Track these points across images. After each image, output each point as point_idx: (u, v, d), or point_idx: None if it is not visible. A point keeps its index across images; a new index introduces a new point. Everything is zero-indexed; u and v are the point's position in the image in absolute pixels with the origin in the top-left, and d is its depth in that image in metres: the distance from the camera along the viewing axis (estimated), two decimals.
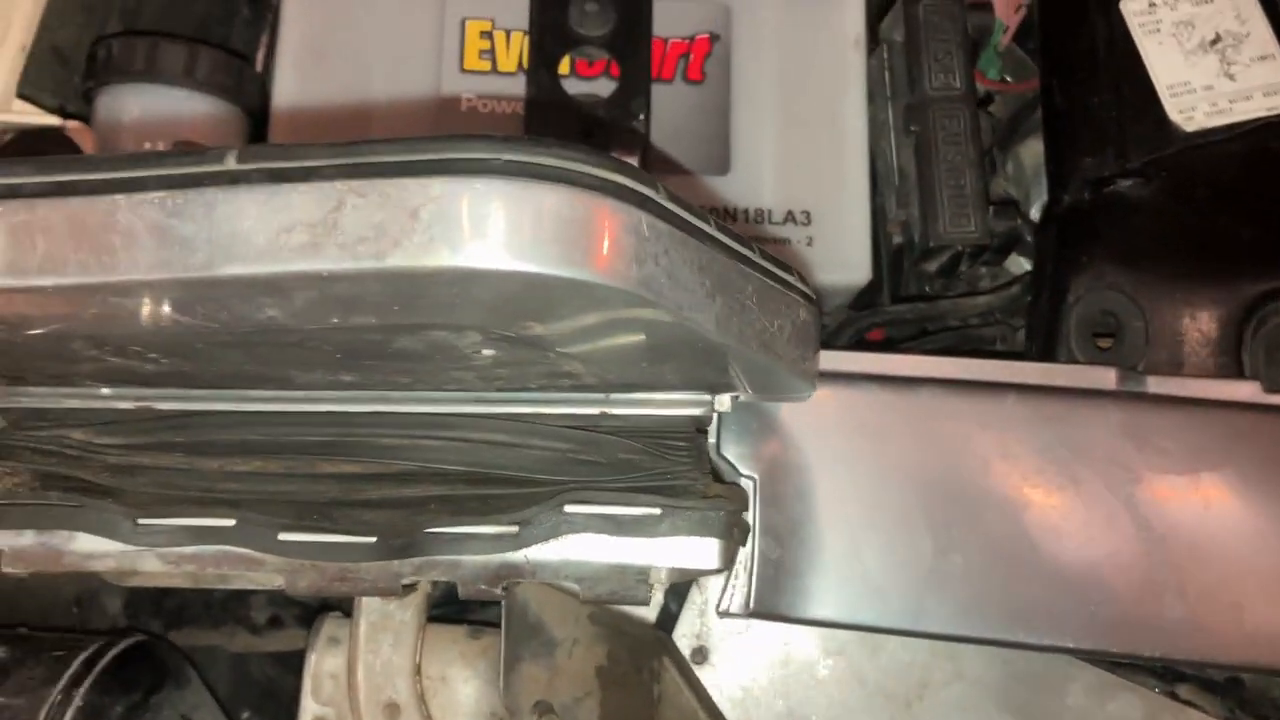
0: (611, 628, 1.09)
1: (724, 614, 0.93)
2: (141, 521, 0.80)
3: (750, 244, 0.71)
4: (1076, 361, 1.03)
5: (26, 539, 0.82)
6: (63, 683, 0.93)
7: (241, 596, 1.22)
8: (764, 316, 0.70)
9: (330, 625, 1.02)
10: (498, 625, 1.04)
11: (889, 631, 0.93)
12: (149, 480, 0.80)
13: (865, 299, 1.21)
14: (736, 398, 0.86)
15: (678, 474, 0.81)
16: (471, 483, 0.81)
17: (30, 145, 1.16)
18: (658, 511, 0.80)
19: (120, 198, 0.58)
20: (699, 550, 0.81)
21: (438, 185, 0.55)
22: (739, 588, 0.92)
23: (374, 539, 0.80)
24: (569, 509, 0.80)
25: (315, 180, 0.57)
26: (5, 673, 0.95)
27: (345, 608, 1.07)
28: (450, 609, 1.18)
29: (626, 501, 0.80)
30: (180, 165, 0.58)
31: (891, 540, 0.91)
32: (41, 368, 0.77)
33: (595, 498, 0.80)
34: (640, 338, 0.66)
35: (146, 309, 0.60)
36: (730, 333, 0.67)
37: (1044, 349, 1.06)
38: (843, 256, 1.16)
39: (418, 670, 0.98)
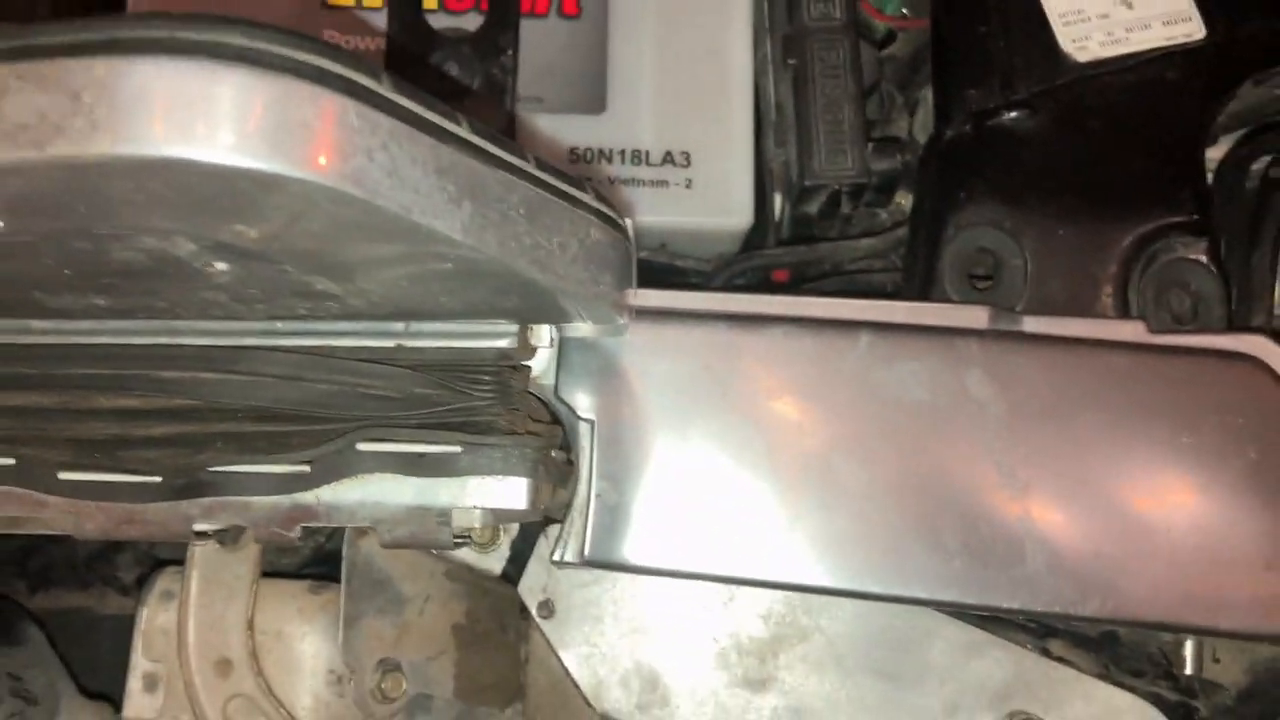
0: (471, 585, 1.04)
1: (559, 563, 0.88)
2: None
3: (526, 154, 0.66)
4: (951, 302, 0.97)
5: None
6: None
7: (107, 555, 1.18)
8: (536, 231, 0.65)
9: (165, 579, 0.97)
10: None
11: (734, 581, 0.88)
12: None
13: (753, 246, 1.16)
14: (559, 329, 0.81)
15: (479, 410, 0.76)
16: (258, 419, 0.76)
17: None
18: (457, 449, 0.75)
19: None
20: (505, 490, 0.76)
21: (101, 65, 0.50)
22: (574, 535, 0.86)
23: (158, 479, 0.76)
24: (361, 446, 0.75)
25: None
26: None
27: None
28: (325, 568, 1.13)
29: (423, 439, 0.75)
30: None
31: (736, 486, 0.86)
32: None
33: (390, 435, 0.75)
34: (390, 249, 0.61)
35: None
36: (486, 244, 0.62)
37: (921, 290, 1.00)
38: (724, 200, 1.10)
39: (250, 625, 0.93)
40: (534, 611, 0.94)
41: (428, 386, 0.75)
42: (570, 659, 0.92)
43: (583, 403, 0.86)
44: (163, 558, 1.18)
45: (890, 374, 0.88)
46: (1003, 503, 0.86)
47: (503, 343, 0.77)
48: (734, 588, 0.92)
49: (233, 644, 0.93)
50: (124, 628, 1.22)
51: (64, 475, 0.76)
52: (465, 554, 0.93)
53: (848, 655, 0.91)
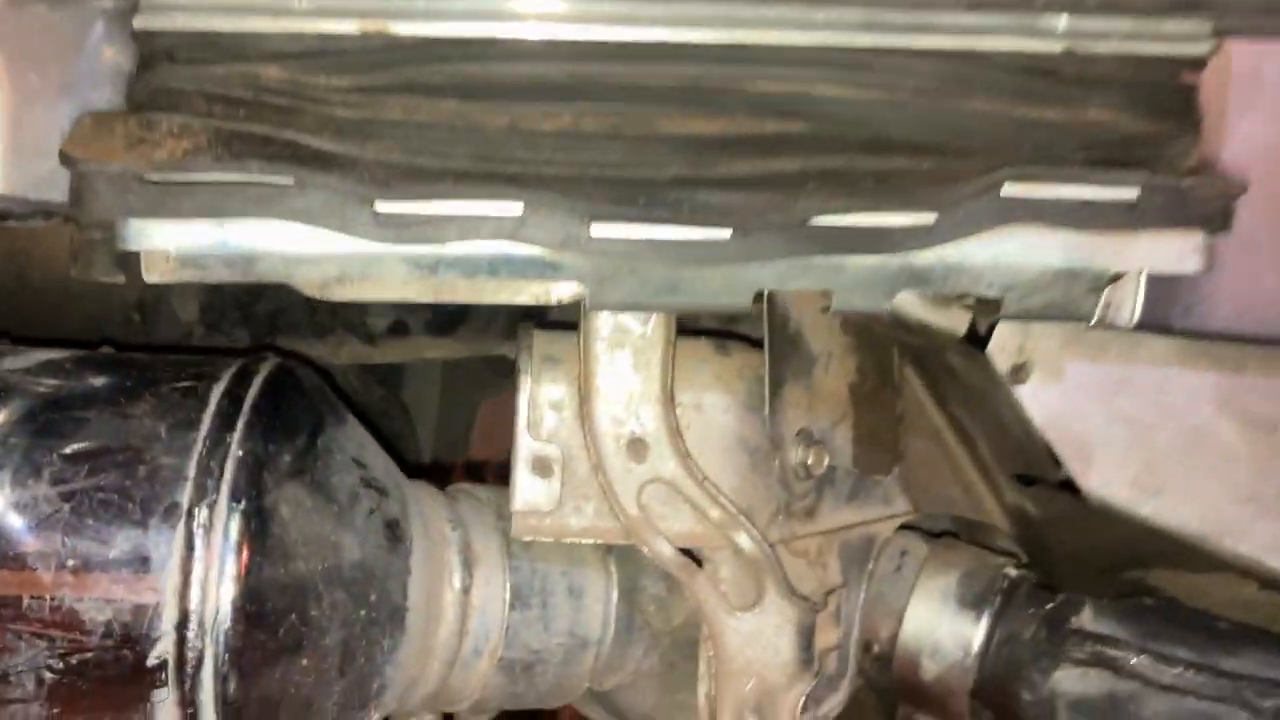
0: (860, 337, 0.87)
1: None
2: (382, 209, 0.53)
3: None
4: None
5: (201, 234, 0.55)
6: (206, 427, 0.68)
7: None
8: None
9: (543, 341, 0.76)
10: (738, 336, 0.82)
11: None
12: (397, 144, 0.52)
13: None
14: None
15: (1166, 141, 0.56)
16: (873, 152, 0.55)
17: None
18: (1134, 193, 0.56)
19: None
20: (1178, 248, 0.59)
21: None
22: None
23: (726, 233, 0.55)
24: (1009, 190, 0.56)
25: None
26: (117, 413, 0.69)
27: (542, 316, 0.82)
28: None
29: (1094, 179, 0.56)
30: None
31: None
32: None
33: (1048, 174, 0.56)
34: None
35: None
36: None
37: None
38: None
39: (668, 396, 0.75)
40: (1004, 373, 0.77)
41: (1105, 107, 0.55)
42: (1049, 427, 0.78)
43: None
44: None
45: None
46: None
47: (1197, 48, 0.56)
48: None
49: (646, 419, 0.75)
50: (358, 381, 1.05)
51: (597, 229, 0.54)
52: (925, 312, 0.75)
53: None
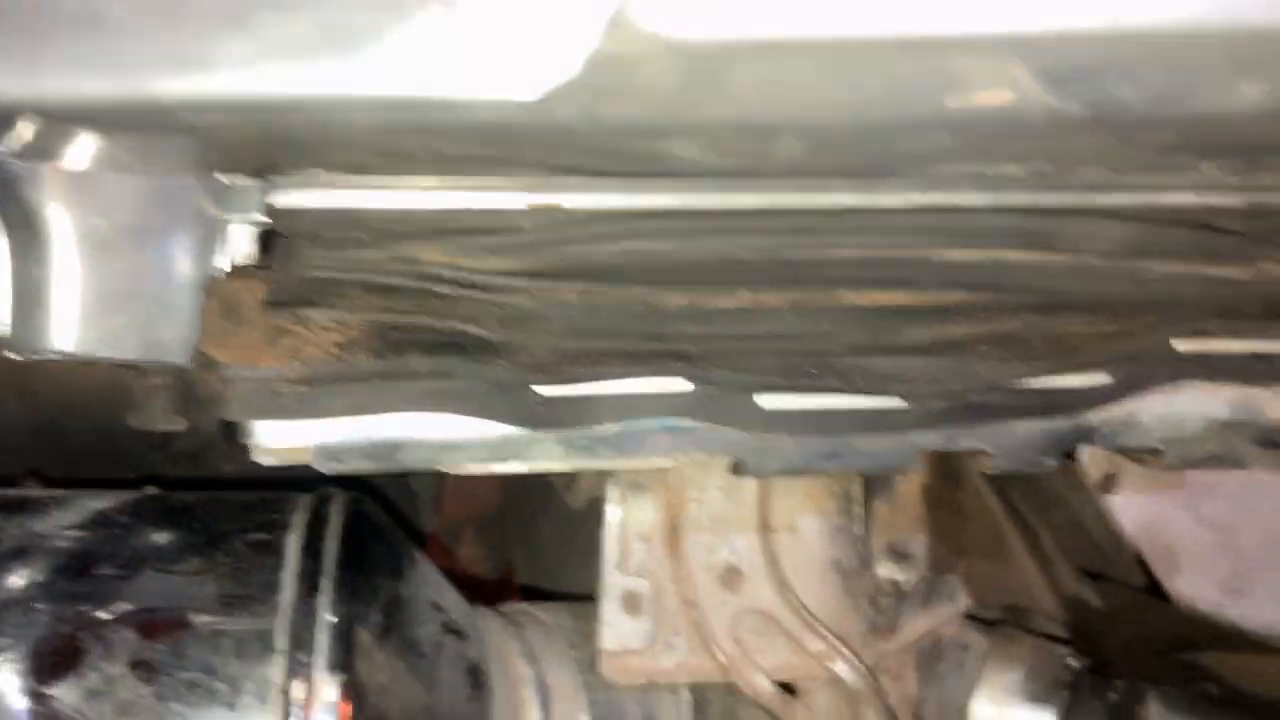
0: None
1: None
2: (544, 393, 0.49)
3: None
4: None
5: (344, 429, 0.49)
6: (290, 590, 0.62)
7: None
8: None
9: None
10: None
11: None
12: (568, 328, 0.47)
13: None
14: None
15: None
16: (1049, 313, 0.52)
17: None
18: None
19: None
20: None
21: None
22: None
23: (902, 402, 0.52)
24: (1184, 347, 0.54)
25: None
26: (188, 574, 0.63)
27: None
28: None
29: (1269, 334, 0.54)
30: None
31: None
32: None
33: (1224, 329, 0.54)
34: None
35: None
36: None
37: None
38: None
39: (765, 522, 0.71)
40: (1094, 483, 0.76)
41: None
42: (1138, 535, 0.76)
43: None
44: None
45: None
46: None
47: None
48: None
49: (740, 547, 0.71)
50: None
51: (765, 401, 0.50)
52: None
53: None
